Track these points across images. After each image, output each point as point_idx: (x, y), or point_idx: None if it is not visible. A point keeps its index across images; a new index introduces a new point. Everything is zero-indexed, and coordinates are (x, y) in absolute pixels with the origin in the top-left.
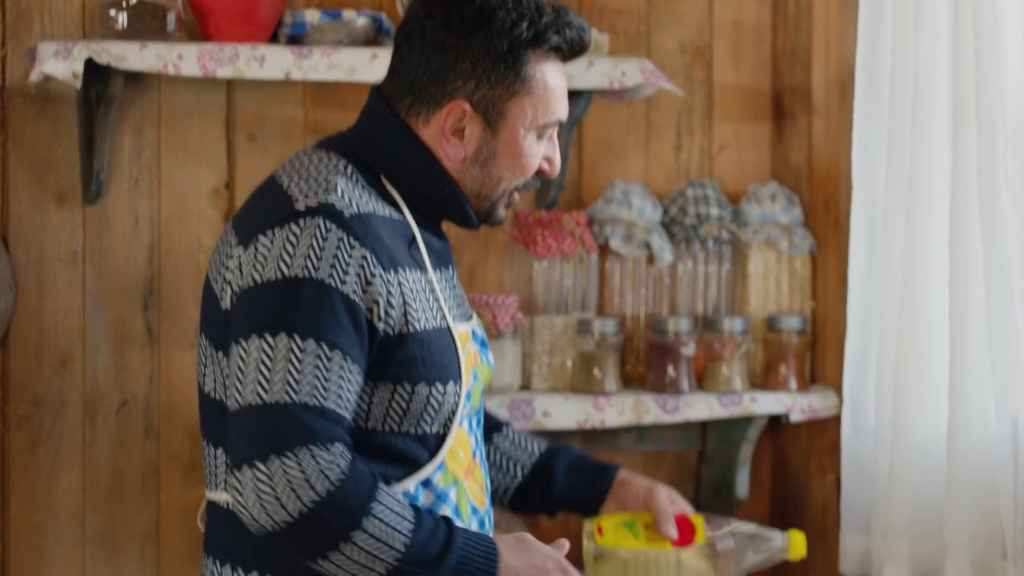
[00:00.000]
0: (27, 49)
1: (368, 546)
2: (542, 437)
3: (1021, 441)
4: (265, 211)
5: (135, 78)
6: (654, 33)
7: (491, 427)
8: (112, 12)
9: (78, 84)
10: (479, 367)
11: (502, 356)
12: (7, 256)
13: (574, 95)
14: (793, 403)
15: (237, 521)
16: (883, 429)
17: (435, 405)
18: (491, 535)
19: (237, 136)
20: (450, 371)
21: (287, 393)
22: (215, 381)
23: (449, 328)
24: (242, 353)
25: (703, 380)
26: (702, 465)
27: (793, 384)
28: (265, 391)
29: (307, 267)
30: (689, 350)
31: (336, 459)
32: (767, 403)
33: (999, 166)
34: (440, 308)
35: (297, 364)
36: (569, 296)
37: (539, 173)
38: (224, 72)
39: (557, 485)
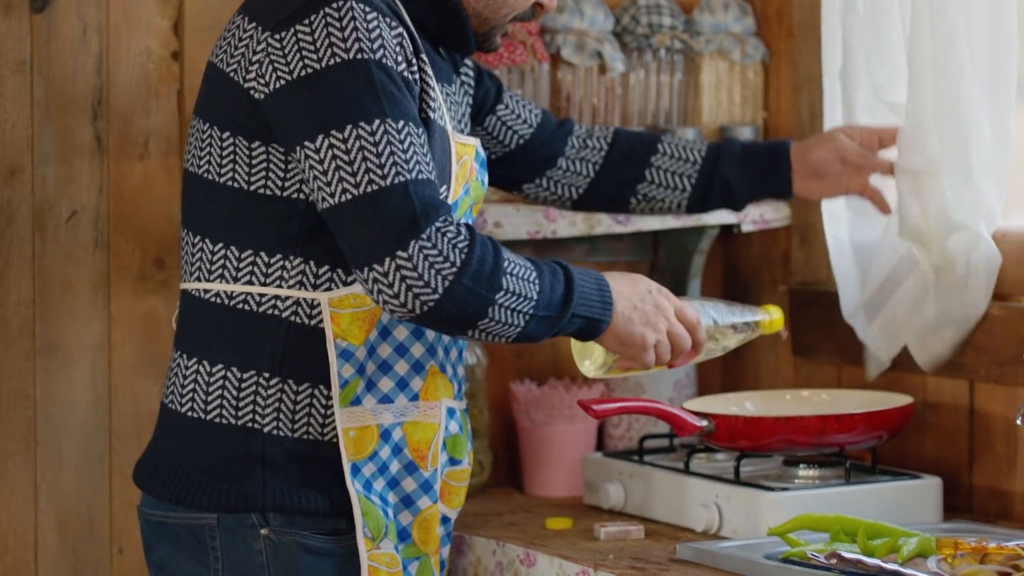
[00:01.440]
0: None
1: (510, 303)
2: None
3: (972, 253)
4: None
5: None
6: None
7: (646, 151)
8: None
9: None
10: (472, 183)
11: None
12: None
13: None
14: (745, 213)
15: (207, 311)
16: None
17: None
18: None
19: None
20: (443, 174)
21: (401, 174)
22: (211, 162)
23: (448, 133)
24: (337, 143)
25: None
26: (654, 276)
27: None
28: (381, 176)
29: (363, 48)
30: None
31: (459, 228)
32: (719, 213)
33: None
34: (443, 111)
35: (400, 144)
36: None
37: (538, 6)
38: None
39: (736, 188)
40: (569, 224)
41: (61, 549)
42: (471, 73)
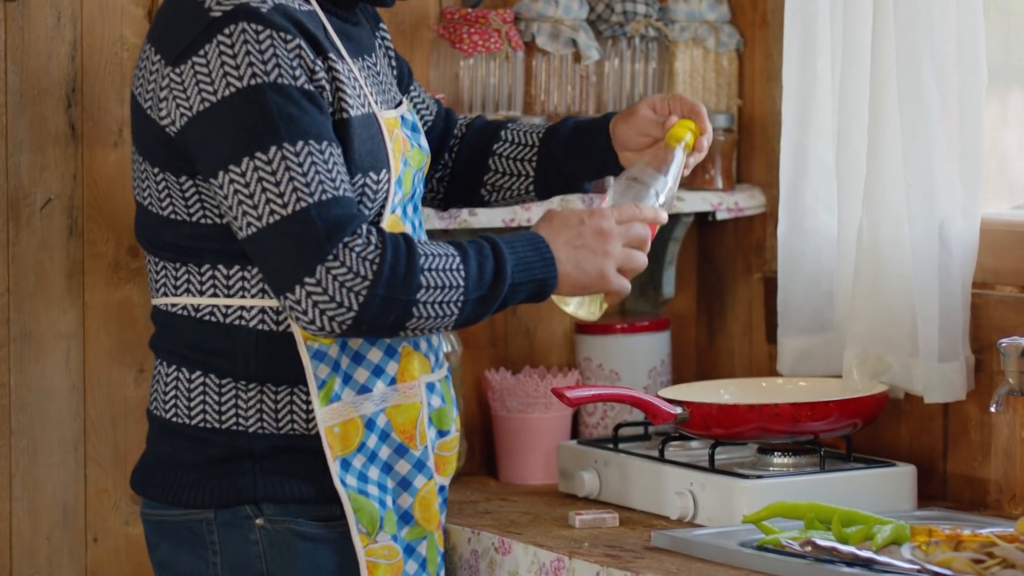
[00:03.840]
0: None
1: (434, 299)
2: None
3: (947, 243)
4: (182, 25)
5: None
6: None
7: (488, 140)
8: None
9: None
10: (409, 153)
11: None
12: None
13: None
14: (720, 202)
15: (177, 324)
16: (824, 228)
17: (369, 195)
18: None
19: None
20: (379, 159)
21: (302, 199)
22: (152, 195)
23: (375, 115)
24: (237, 177)
25: None
26: None
27: (720, 182)
28: (281, 205)
29: (256, 73)
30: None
31: (368, 239)
32: (694, 202)
33: None
34: (364, 94)
35: (298, 168)
36: (496, 94)
37: None
38: None
39: (569, 169)
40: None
41: (35, 537)
42: (388, 38)
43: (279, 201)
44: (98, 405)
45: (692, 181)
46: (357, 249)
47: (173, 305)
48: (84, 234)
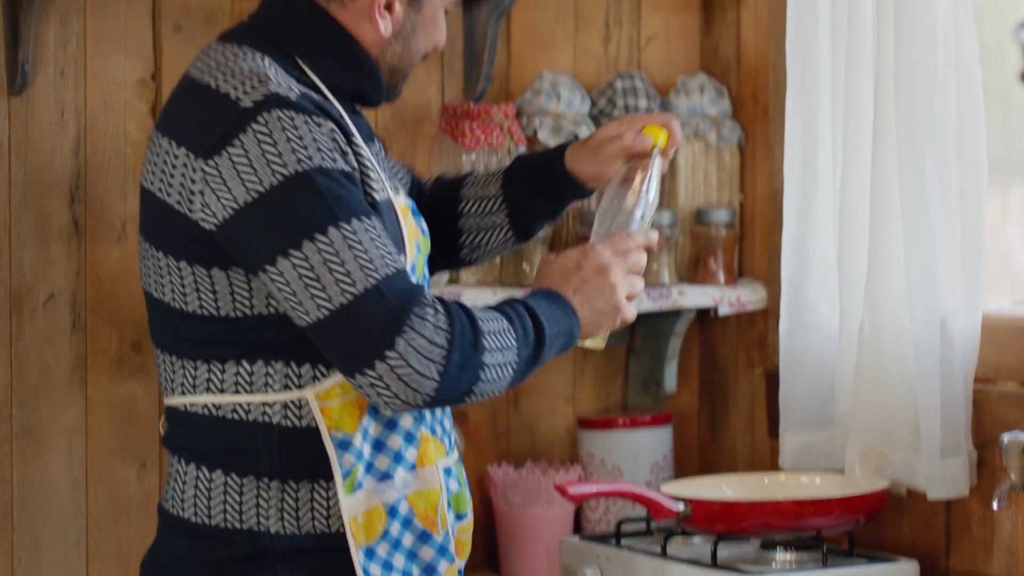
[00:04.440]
0: None
1: (497, 361)
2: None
3: (949, 338)
4: (208, 118)
5: None
6: None
7: (452, 204)
8: None
9: None
10: (420, 239)
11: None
12: None
13: None
14: (722, 296)
15: (196, 422)
16: (826, 323)
17: None
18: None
19: (163, 26)
20: (399, 245)
21: (370, 276)
22: (174, 291)
23: (391, 201)
24: (300, 262)
25: None
26: (631, 358)
27: (721, 277)
28: (350, 284)
29: (300, 159)
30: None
31: (435, 307)
32: (696, 296)
33: (918, 56)
34: (382, 180)
35: (359, 246)
36: None
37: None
38: None
39: (540, 208)
40: None
41: None
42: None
43: (347, 280)
44: (101, 501)
45: (694, 275)
46: (430, 318)
47: (192, 404)
48: (87, 329)
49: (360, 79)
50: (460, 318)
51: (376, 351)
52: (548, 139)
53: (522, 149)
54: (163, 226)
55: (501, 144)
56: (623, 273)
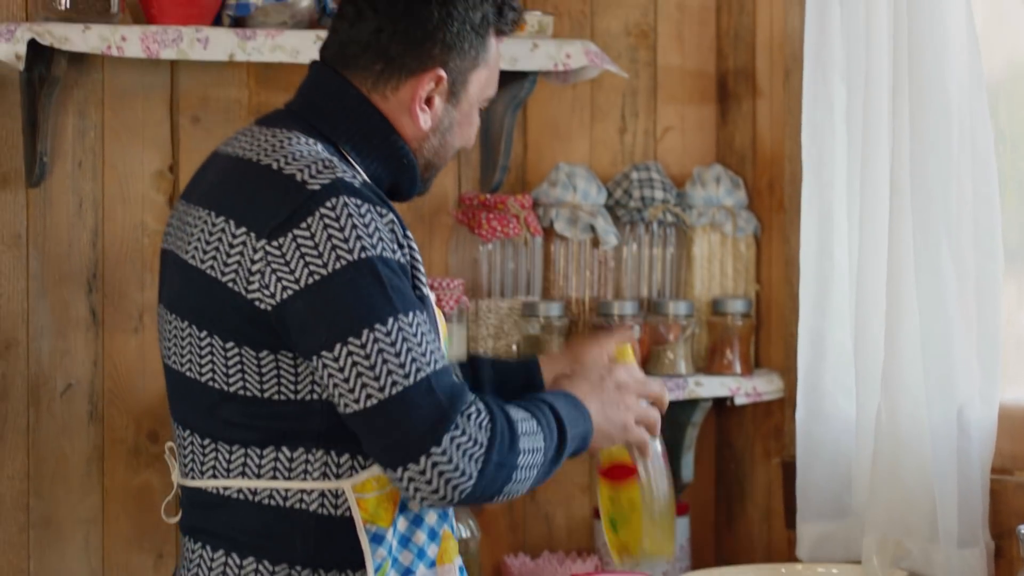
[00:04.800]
0: None
1: (528, 462)
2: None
3: (966, 428)
4: (273, 199)
5: (79, 59)
6: (598, 15)
7: None
8: None
9: (21, 66)
10: (447, 338)
11: (447, 340)
12: None
13: (518, 77)
14: (738, 386)
15: (230, 507)
16: (843, 412)
17: None
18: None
19: (181, 118)
20: (439, 340)
21: (422, 369)
22: (215, 371)
23: (430, 298)
24: (356, 349)
25: (648, 364)
26: None
27: (738, 367)
28: (403, 375)
29: (364, 246)
30: (634, 334)
31: (478, 406)
32: (712, 387)
33: (933, 145)
34: (424, 276)
35: (414, 338)
36: (514, 279)
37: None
38: (168, 54)
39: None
40: None
41: None
42: None
43: (400, 372)
44: None
45: (711, 365)
46: (474, 416)
47: (225, 488)
48: (104, 419)
49: (398, 172)
50: (500, 417)
51: (422, 446)
52: (565, 230)
53: (538, 240)
54: (210, 306)
55: (518, 235)
56: (634, 395)
